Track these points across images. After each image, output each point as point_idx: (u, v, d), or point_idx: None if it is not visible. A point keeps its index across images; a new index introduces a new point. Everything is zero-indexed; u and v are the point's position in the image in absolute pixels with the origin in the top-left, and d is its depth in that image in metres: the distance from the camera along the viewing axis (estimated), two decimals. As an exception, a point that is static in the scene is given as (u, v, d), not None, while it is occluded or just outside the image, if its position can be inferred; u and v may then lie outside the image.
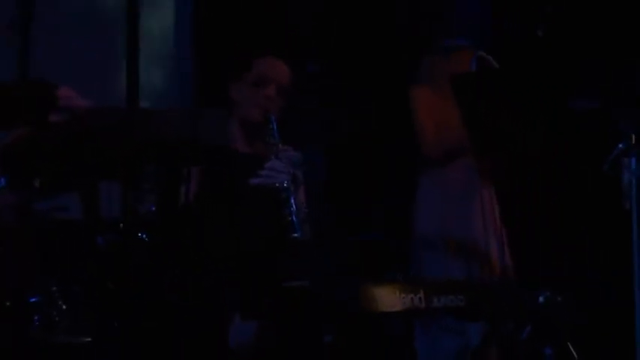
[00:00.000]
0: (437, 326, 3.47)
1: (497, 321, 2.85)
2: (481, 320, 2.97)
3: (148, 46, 3.08)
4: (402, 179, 3.85)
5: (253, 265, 3.12)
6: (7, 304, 2.50)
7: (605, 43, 2.87)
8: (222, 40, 4.39)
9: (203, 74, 4.43)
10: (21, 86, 2.62)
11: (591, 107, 2.83)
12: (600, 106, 2.82)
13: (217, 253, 3.13)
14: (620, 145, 2.76)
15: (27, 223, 2.60)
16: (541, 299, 2.73)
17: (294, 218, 3.10)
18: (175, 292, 2.90)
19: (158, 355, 2.70)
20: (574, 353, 2.63)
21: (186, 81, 4.45)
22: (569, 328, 2.78)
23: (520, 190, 3.81)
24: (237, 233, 3.18)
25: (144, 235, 2.61)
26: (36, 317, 2.47)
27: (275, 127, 3.26)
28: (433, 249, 3.62)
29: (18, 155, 2.56)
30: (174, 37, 4.37)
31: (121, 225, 2.57)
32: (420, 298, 2.57)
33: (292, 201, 3.16)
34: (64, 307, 2.47)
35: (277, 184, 3.17)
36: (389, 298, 2.54)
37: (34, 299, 2.49)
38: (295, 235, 3.08)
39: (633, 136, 2.76)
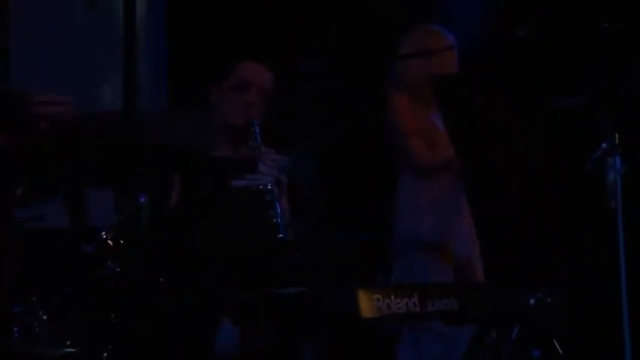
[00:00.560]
0: (424, 330, 3.46)
1: (488, 324, 2.84)
2: (472, 323, 2.96)
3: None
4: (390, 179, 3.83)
5: (240, 267, 3.10)
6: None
7: (590, 43, 2.87)
8: (197, 40, 4.37)
9: (177, 75, 4.41)
10: None
11: (574, 106, 2.82)
12: (583, 104, 2.81)
13: (203, 256, 3.11)
14: (604, 145, 2.76)
15: (7, 231, 2.57)
16: (532, 301, 2.71)
17: (278, 220, 3.07)
18: (163, 296, 2.87)
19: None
20: (560, 351, 2.62)
21: (161, 81, 4.41)
22: (558, 328, 2.77)
23: (502, 191, 3.81)
24: (223, 236, 3.16)
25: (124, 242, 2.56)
26: (15, 328, 2.43)
27: (257, 130, 3.25)
28: (421, 251, 3.60)
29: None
30: (145, 36, 4.35)
31: (104, 233, 2.54)
32: (414, 302, 2.57)
33: (276, 203, 3.13)
34: (44, 317, 2.42)
35: (261, 187, 3.15)
36: (384, 303, 2.53)
37: (13, 309, 2.45)
38: (280, 235, 3.05)
39: (617, 136, 2.76)
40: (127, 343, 2.47)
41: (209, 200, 3.22)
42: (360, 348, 2.94)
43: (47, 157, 2.51)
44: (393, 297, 2.55)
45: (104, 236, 2.57)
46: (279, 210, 3.10)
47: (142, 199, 2.86)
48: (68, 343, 2.45)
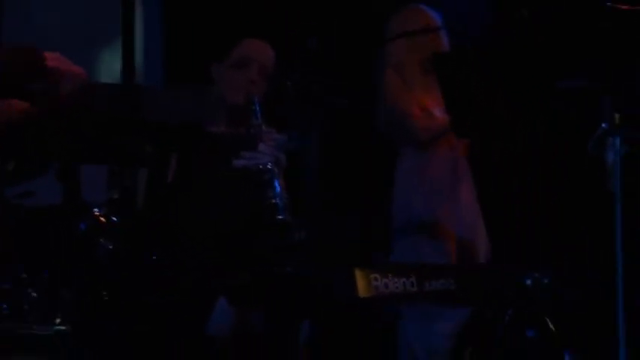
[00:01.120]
0: (423, 312, 3.45)
1: (485, 304, 2.83)
2: (469, 304, 2.96)
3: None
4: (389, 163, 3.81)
5: (236, 247, 3.10)
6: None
7: (591, 23, 2.83)
8: (193, 17, 4.34)
9: (173, 51, 4.39)
10: (4, 50, 2.53)
11: (576, 86, 2.79)
12: (584, 85, 2.78)
13: (199, 235, 3.10)
14: (604, 125, 2.73)
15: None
16: (528, 282, 2.71)
17: (277, 200, 3.06)
18: (156, 276, 2.87)
19: (137, 341, 2.68)
20: (553, 330, 2.62)
21: (156, 58, 4.39)
22: (553, 309, 2.76)
23: (502, 172, 3.77)
24: (219, 215, 3.15)
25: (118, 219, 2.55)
26: (4, 306, 2.42)
27: (258, 108, 3.22)
28: (419, 230, 3.59)
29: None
30: (142, 14, 4.33)
31: (96, 210, 2.53)
32: (412, 282, 2.57)
33: (276, 183, 3.12)
34: (34, 295, 2.42)
35: (261, 166, 3.13)
36: (382, 283, 2.54)
37: (2, 286, 2.45)
38: (279, 217, 3.04)
39: (617, 116, 2.73)
40: (118, 322, 2.47)
41: (206, 178, 3.20)
42: (357, 328, 2.94)
43: (41, 130, 2.50)
44: (390, 276, 2.56)
45: (97, 213, 2.55)
46: (278, 190, 3.08)
47: (138, 176, 2.87)
48: (58, 321, 2.44)
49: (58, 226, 2.60)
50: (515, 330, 2.72)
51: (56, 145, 2.58)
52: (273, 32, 3.40)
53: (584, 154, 2.78)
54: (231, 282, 2.82)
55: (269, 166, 3.14)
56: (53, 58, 2.51)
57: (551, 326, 2.66)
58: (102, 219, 2.57)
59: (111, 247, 2.53)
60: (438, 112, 3.52)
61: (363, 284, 2.52)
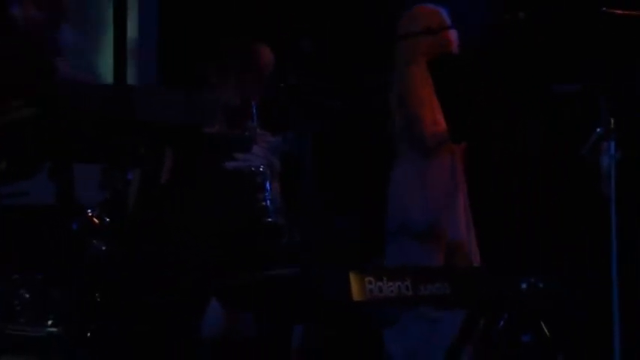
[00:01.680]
0: (410, 314, 3.43)
1: (480, 308, 2.82)
2: (464, 308, 2.94)
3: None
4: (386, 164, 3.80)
5: (226, 249, 3.09)
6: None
7: (589, 27, 2.82)
8: (188, 17, 4.34)
9: (167, 52, 4.38)
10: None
11: (573, 92, 2.78)
12: (581, 90, 2.78)
13: (191, 236, 3.09)
14: (599, 130, 2.72)
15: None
16: (524, 286, 2.69)
17: (267, 203, 3.06)
18: (149, 278, 2.85)
19: (129, 343, 2.66)
20: (547, 334, 2.61)
21: (150, 60, 4.39)
22: (550, 314, 2.75)
23: (497, 176, 3.76)
24: (210, 216, 3.15)
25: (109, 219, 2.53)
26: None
27: (254, 111, 3.22)
28: (415, 235, 3.57)
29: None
30: (138, 15, 4.33)
31: (89, 210, 2.51)
32: (406, 286, 2.55)
33: (267, 186, 3.11)
34: (26, 295, 2.39)
35: (253, 168, 3.13)
36: (376, 287, 2.52)
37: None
38: (269, 219, 3.03)
39: (612, 120, 2.72)
40: (110, 323, 2.45)
41: (199, 179, 3.20)
42: (350, 332, 2.92)
43: (34, 130, 2.48)
44: (385, 280, 2.53)
45: (90, 213, 2.53)
46: (269, 193, 3.08)
47: (131, 176, 2.85)
48: (50, 322, 2.42)
49: (50, 226, 2.58)
50: (510, 334, 2.71)
51: (49, 144, 2.56)
52: (267, 34, 3.39)
53: (579, 158, 2.78)
54: (223, 284, 2.79)
55: (261, 169, 3.13)
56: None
57: (546, 331, 2.64)
58: (95, 219, 2.55)
59: (104, 247, 2.51)
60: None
61: (357, 288, 2.49)
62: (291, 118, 3.24)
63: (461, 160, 3.65)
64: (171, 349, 2.81)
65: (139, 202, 3.02)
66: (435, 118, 3.52)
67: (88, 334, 2.47)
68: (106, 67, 4.03)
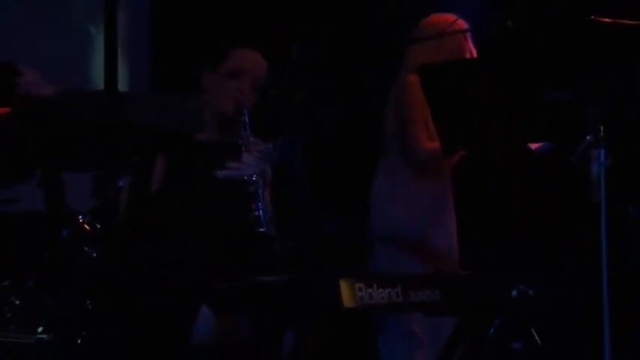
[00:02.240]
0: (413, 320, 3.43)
1: (470, 315, 2.82)
2: (454, 315, 2.94)
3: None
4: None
5: (218, 258, 3.07)
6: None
7: (578, 36, 2.83)
8: (180, 24, 4.33)
9: (159, 59, 4.37)
10: None
11: (563, 99, 2.78)
12: (570, 97, 2.77)
13: (182, 244, 3.07)
14: (588, 137, 2.72)
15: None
16: (514, 293, 2.69)
17: (260, 213, 3.04)
18: (140, 284, 2.84)
19: (120, 349, 2.65)
20: (538, 341, 2.61)
21: (142, 65, 4.39)
22: (539, 321, 2.76)
23: (486, 182, 3.76)
24: (202, 225, 3.13)
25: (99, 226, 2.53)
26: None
27: (247, 119, 3.21)
28: (404, 244, 3.56)
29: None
30: (129, 21, 4.33)
31: (80, 217, 2.50)
32: (397, 292, 2.56)
33: (260, 195, 3.10)
34: (17, 302, 2.38)
35: (246, 177, 3.12)
36: (366, 293, 2.53)
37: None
38: (261, 229, 3.03)
39: (602, 128, 2.73)
40: (101, 330, 2.44)
41: (191, 187, 3.18)
42: (342, 338, 2.92)
43: (24, 137, 2.48)
44: (375, 287, 2.54)
45: (81, 220, 2.53)
46: (262, 202, 3.06)
47: (122, 183, 2.83)
48: (40, 329, 2.40)
49: (41, 233, 2.57)
50: (500, 341, 2.71)
51: (39, 151, 2.55)
52: (259, 39, 3.38)
53: (568, 165, 2.78)
54: (214, 290, 2.78)
55: (254, 178, 3.12)
56: (27, 81, 2.50)
57: (536, 338, 2.65)
58: (86, 226, 2.54)
59: (94, 254, 2.50)
60: None
61: (347, 294, 2.51)
62: (282, 124, 3.24)
63: (449, 169, 3.65)
64: (162, 355, 2.80)
65: (130, 209, 3.01)
66: (430, 134, 3.50)
67: (79, 341, 2.46)
68: (97, 72, 4.03)
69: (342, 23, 4.41)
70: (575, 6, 3.20)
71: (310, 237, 3.21)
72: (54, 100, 2.53)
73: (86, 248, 2.52)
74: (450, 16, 3.59)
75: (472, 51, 3.63)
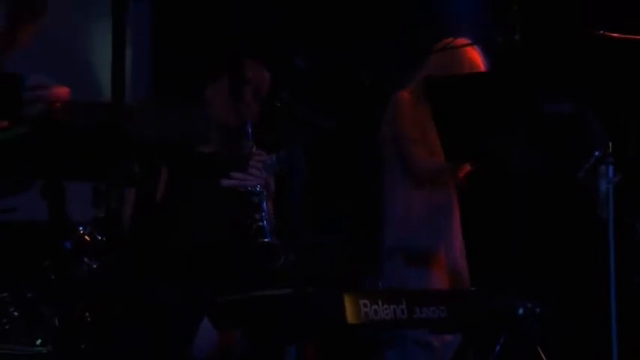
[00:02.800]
0: (410, 340, 3.39)
1: (475, 332, 2.78)
2: (460, 332, 2.90)
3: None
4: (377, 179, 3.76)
5: (222, 269, 3.05)
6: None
7: (583, 47, 2.81)
8: (181, 35, 4.31)
9: (160, 70, 4.34)
10: None
11: (566, 112, 2.75)
12: (575, 110, 2.75)
13: (185, 255, 3.05)
14: (597, 153, 2.70)
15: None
16: (520, 311, 2.66)
17: (264, 223, 3.02)
18: (140, 294, 2.82)
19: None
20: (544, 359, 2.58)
21: (143, 75, 4.38)
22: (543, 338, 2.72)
23: (491, 198, 3.73)
24: (206, 236, 3.11)
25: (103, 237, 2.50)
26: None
27: (250, 130, 3.19)
28: (414, 262, 3.52)
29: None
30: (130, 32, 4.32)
31: (81, 228, 2.47)
32: (402, 309, 2.52)
33: (264, 206, 3.07)
34: (15, 314, 2.35)
35: (250, 188, 3.09)
36: (371, 309, 2.49)
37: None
38: (265, 240, 3.00)
39: (610, 144, 2.70)
40: (101, 342, 2.41)
41: (194, 198, 3.15)
42: (347, 352, 2.88)
43: (27, 147, 2.45)
44: (380, 303, 2.51)
45: (81, 231, 2.49)
46: (265, 213, 3.04)
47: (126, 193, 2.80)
48: (39, 342, 2.37)
49: (41, 244, 2.54)
50: (506, 359, 2.67)
51: (41, 162, 2.52)
52: (262, 51, 3.37)
53: (575, 181, 2.75)
54: (215, 303, 2.75)
55: (258, 189, 3.10)
56: (35, 86, 2.47)
57: (542, 356, 2.61)
58: (86, 237, 2.51)
59: (95, 266, 2.47)
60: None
61: (352, 310, 2.47)
62: (285, 135, 3.21)
63: (453, 185, 3.62)
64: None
65: (134, 220, 2.98)
66: (429, 148, 3.47)
67: (78, 354, 2.43)
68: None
69: (343, 35, 4.38)
70: (581, 18, 3.19)
71: (309, 250, 3.18)
72: (59, 116, 2.51)
73: (86, 260, 2.48)
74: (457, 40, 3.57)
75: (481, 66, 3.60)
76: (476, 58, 3.59)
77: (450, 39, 3.50)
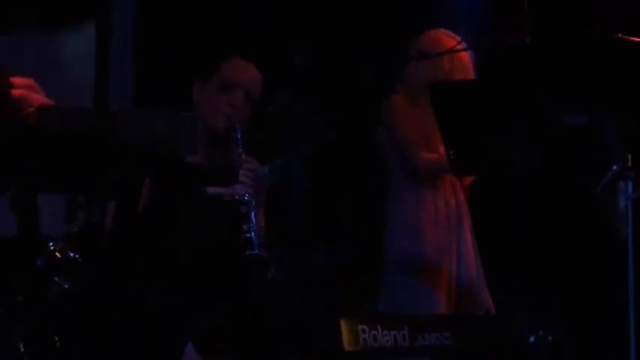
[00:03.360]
0: None
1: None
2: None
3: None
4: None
5: (207, 285, 2.89)
6: None
7: (594, 51, 2.63)
8: (165, 34, 4.16)
9: (143, 71, 4.17)
10: None
11: (583, 124, 2.58)
12: (592, 122, 2.58)
13: (169, 272, 2.89)
14: (615, 167, 2.53)
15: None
16: (532, 339, 2.52)
17: (252, 235, 2.87)
18: (120, 315, 2.64)
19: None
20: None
21: (125, 77, 4.22)
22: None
23: (501, 213, 3.55)
24: (190, 249, 2.94)
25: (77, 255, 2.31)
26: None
27: (239, 136, 3.01)
28: (417, 275, 3.33)
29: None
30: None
31: (52, 244, 2.28)
32: (403, 335, 2.40)
33: (252, 217, 2.91)
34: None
35: (237, 197, 2.93)
36: (370, 335, 2.35)
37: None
38: (253, 252, 2.84)
39: (629, 157, 2.52)
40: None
41: (178, 208, 2.98)
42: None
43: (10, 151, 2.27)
44: (380, 328, 2.37)
45: (52, 247, 2.30)
46: (254, 224, 2.88)
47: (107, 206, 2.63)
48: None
49: (11, 260, 2.35)
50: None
51: (12, 171, 2.34)
52: (257, 50, 3.19)
53: (593, 197, 2.58)
54: (200, 326, 2.60)
55: (246, 198, 2.93)
56: (22, 86, 2.30)
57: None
58: (57, 254, 2.32)
59: (66, 286, 2.28)
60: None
61: (349, 336, 2.32)
62: (280, 143, 3.04)
63: (462, 190, 3.43)
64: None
65: (114, 234, 2.81)
66: (433, 145, 3.31)
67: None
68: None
69: (343, 35, 4.25)
70: (597, 20, 3.03)
71: (305, 268, 3.01)
72: (37, 118, 2.33)
73: (57, 279, 2.29)
74: (446, 34, 3.46)
75: (470, 71, 3.45)
76: (468, 61, 3.46)
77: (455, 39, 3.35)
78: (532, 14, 2.84)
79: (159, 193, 2.97)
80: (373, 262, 3.44)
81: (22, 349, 2.32)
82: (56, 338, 2.24)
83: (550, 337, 2.44)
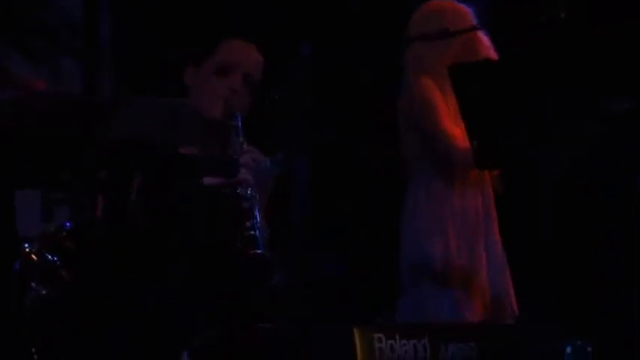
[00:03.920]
0: None
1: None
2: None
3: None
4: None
5: (207, 288, 2.72)
6: None
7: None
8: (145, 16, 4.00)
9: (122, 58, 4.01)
10: None
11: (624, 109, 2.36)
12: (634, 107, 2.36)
13: (163, 272, 2.70)
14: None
15: None
16: (568, 350, 2.37)
17: (256, 232, 2.68)
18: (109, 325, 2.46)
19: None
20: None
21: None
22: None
23: (528, 206, 3.33)
24: (189, 249, 2.76)
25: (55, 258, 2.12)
26: None
27: (239, 124, 2.83)
28: (439, 282, 3.10)
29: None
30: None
31: (27, 245, 2.09)
32: (424, 345, 2.28)
33: (256, 213, 2.73)
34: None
35: (239, 191, 2.75)
36: (387, 346, 2.23)
37: None
38: (257, 251, 2.65)
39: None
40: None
41: (174, 205, 2.80)
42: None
43: None
44: (397, 338, 2.25)
45: (27, 249, 2.11)
46: (257, 221, 2.70)
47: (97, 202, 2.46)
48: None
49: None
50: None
51: None
52: (259, 34, 3.00)
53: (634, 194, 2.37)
54: (196, 339, 2.43)
55: (249, 192, 2.75)
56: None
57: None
58: (33, 257, 2.13)
59: (44, 291, 2.09)
60: None
61: (363, 347, 2.19)
62: (283, 134, 2.84)
63: (491, 188, 3.19)
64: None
65: (103, 232, 2.61)
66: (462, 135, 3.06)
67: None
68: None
69: (343, 35, 4.16)
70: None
71: (309, 274, 2.83)
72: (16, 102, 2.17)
73: (33, 284, 2.10)
74: (454, 5, 3.21)
75: (486, 48, 3.19)
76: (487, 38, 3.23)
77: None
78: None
79: (151, 189, 2.79)
80: (377, 268, 3.26)
81: None
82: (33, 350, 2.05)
83: (589, 349, 2.27)
